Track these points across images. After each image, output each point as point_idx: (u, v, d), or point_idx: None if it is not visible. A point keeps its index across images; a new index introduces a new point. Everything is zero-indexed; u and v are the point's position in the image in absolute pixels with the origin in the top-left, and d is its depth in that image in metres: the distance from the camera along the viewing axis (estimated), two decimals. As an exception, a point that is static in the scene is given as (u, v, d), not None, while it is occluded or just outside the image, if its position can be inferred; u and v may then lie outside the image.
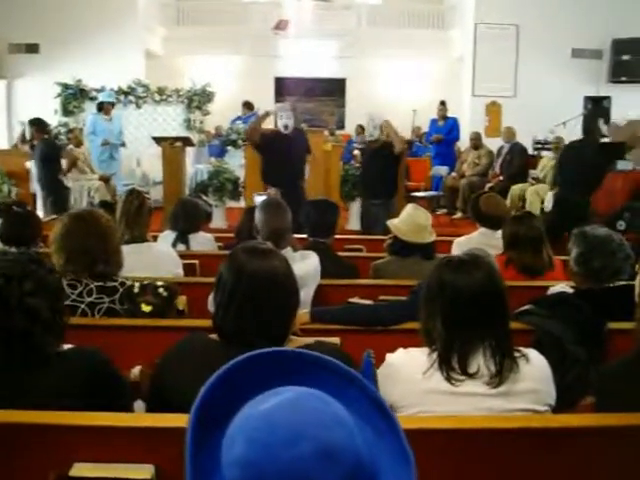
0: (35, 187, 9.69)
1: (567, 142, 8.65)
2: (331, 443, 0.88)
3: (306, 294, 3.18)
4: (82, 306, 2.87)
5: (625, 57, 12.80)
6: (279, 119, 6.84)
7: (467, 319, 1.96)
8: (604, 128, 7.61)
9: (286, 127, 6.75)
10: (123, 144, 10.31)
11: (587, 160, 7.37)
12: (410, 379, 1.99)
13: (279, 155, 6.70)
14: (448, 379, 1.94)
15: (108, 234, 2.99)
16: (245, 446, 0.89)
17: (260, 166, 7.15)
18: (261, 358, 1.06)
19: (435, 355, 1.98)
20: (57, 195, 8.83)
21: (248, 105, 12.28)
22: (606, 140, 7.70)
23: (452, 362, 1.95)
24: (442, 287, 2.02)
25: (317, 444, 0.87)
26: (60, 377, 1.89)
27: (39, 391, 1.85)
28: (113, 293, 2.94)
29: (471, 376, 1.93)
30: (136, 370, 2.57)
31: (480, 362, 1.95)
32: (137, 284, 3.07)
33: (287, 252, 3.18)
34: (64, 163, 9.15)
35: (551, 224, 5.99)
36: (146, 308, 3.01)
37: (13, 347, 1.87)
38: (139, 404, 2.24)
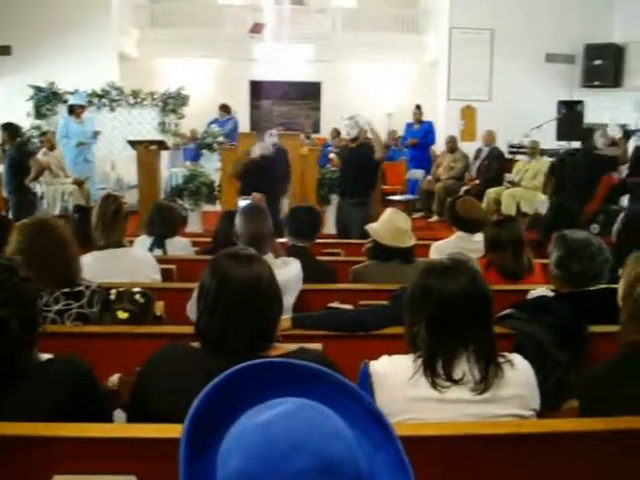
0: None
1: (562, 151, 8.89)
2: (331, 456, 0.86)
3: (287, 301, 3.16)
4: (50, 315, 2.83)
5: (597, 62, 12.94)
6: (268, 137, 7.26)
7: (452, 324, 1.95)
8: (600, 141, 7.76)
9: (274, 145, 7.24)
10: (95, 135, 10.19)
11: (582, 170, 7.53)
12: (395, 386, 1.97)
13: (261, 176, 7.05)
14: (433, 385, 1.93)
15: (65, 241, 2.95)
16: (242, 459, 0.87)
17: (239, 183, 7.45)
18: (256, 369, 1.04)
19: (420, 361, 1.97)
20: (22, 201, 8.65)
21: (225, 108, 12.23)
22: (600, 152, 7.88)
23: (437, 368, 1.94)
24: (427, 292, 2.00)
25: (317, 457, 0.85)
26: (39, 390, 1.83)
27: (14, 406, 1.79)
28: (80, 297, 2.92)
29: (456, 382, 1.92)
30: (114, 378, 2.53)
31: (465, 368, 1.94)
32: (113, 291, 3.04)
33: (268, 258, 3.15)
34: (32, 170, 9.02)
35: (548, 227, 6.18)
36: (122, 315, 2.98)
37: None
38: (118, 413, 2.20)
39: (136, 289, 3.05)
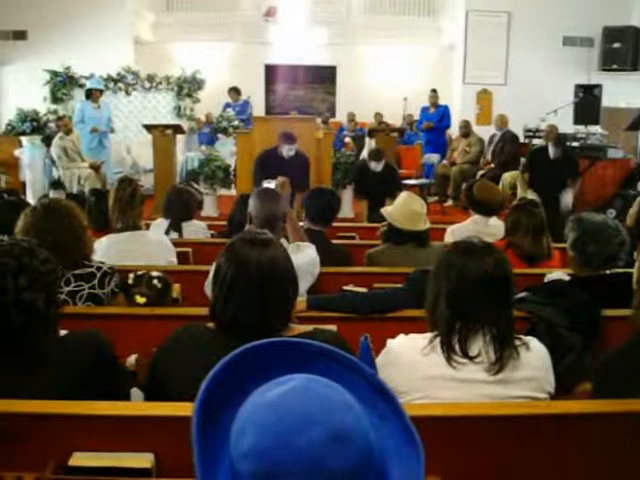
0: (25, 174, 9.65)
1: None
2: (342, 427, 0.89)
3: (300, 287, 3.18)
4: (62, 296, 2.83)
5: (616, 45, 12.78)
6: (286, 152, 7.10)
7: (471, 303, 1.97)
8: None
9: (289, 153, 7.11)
10: (112, 130, 10.21)
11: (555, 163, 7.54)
12: (411, 364, 1.99)
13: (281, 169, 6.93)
14: (449, 360, 1.94)
15: (75, 223, 2.94)
16: (256, 436, 0.89)
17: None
18: (263, 347, 1.06)
19: (437, 340, 1.99)
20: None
21: (236, 90, 12.21)
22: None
23: (453, 343, 1.96)
24: (449, 269, 2.03)
25: (328, 428, 0.88)
26: (60, 366, 1.88)
27: (39, 385, 1.83)
28: (91, 279, 2.94)
29: (472, 359, 1.94)
30: (132, 359, 2.56)
31: (481, 346, 1.96)
32: (131, 275, 3.06)
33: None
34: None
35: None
36: (140, 300, 3.00)
37: (10, 342, 1.84)
38: (135, 392, 2.23)
39: (155, 273, 3.06)
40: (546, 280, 3.20)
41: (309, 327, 2.04)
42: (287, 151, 7.07)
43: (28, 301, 1.83)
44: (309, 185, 7.39)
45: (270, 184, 3.88)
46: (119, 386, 2.06)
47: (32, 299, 1.84)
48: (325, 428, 0.87)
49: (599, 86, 11.24)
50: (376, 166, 7.98)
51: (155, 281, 3.04)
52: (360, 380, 1.04)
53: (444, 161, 11.00)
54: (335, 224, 4.76)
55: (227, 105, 12.25)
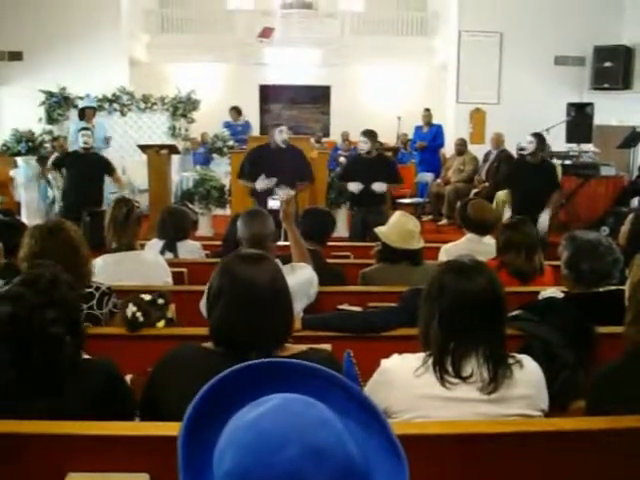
0: (20, 194, 9.65)
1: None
2: (317, 443, 0.91)
3: (295, 307, 3.17)
4: None
5: (607, 64, 12.90)
6: (277, 134, 6.81)
7: (464, 323, 1.98)
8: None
9: (284, 141, 6.80)
10: (107, 141, 10.19)
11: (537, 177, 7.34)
12: (405, 384, 1.99)
13: (273, 165, 6.73)
14: (442, 381, 1.95)
15: (76, 244, 2.98)
16: (235, 457, 0.91)
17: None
18: (249, 369, 1.08)
19: (431, 360, 1.99)
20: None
21: (237, 110, 12.28)
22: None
23: (446, 364, 1.97)
24: (442, 289, 2.03)
25: (303, 445, 0.90)
26: (83, 385, 1.93)
27: (70, 400, 1.87)
28: (90, 299, 2.96)
29: (464, 379, 1.94)
30: (127, 379, 2.56)
31: (474, 367, 1.96)
32: (146, 299, 3.04)
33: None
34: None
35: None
36: (160, 324, 3.00)
37: (33, 367, 1.87)
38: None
39: (147, 297, 3.05)
40: (540, 298, 3.21)
41: (303, 347, 2.04)
42: (279, 135, 6.74)
43: (54, 336, 1.86)
44: (312, 173, 7.18)
45: (275, 201, 3.85)
46: (126, 407, 2.08)
47: (61, 334, 1.87)
48: (301, 445, 0.89)
49: (591, 104, 11.33)
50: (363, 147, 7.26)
51: (160, 300, 3.03)
52: (345, 396, 1.06)
53: (438, 180, 11.04)
54: (330, 243, 4.77)
55: (227, 124, 12.30)
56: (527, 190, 7.14)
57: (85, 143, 7.71)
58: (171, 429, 1.74)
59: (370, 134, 7.11)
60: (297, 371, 1.08)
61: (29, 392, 1.86)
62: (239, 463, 0.90)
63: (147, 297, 3.02)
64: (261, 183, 6.67)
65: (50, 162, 8.64)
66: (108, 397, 1.96)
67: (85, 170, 7.67)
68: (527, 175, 7.32)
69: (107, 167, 7.92)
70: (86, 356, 2.09)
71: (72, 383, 1.92)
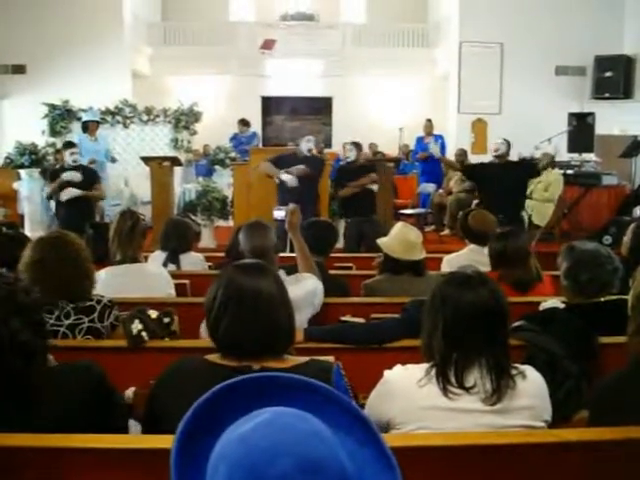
0: (23, 207, 9.68)
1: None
2: (309, 456, 0.90)
3: (299, 319, 3.18)
4: (62, 329, 2.83)
5: (608, 74, 12.95)
6: (305, 142, 7.26)
7: (467, 334, 1.98)
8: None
9: (309, 150, 7.24)
10: (113, 160, 10.24)
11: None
12: (408, 395, 1.99)
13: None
14: (444, 392, 1.95)
15: (80, 258, 2.95)
16: (228, 472, 0.91)
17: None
18: (243, 383, 1.09)
19: (433, 371, 1.99)
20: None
21: (244, 122, 12.30)
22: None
23: (449, 375, 1.97)
24: (445, 300, 2.04)
25: (296, 458, 0.89)
26: (54, 399, 1.86)
27: (36, 414, 1.81)
28: (91, 312, 2.93)
29: (467, 390, 1.94)
30: (130, 392, 2.55)
31: (477, 377, 1.96)
32: (152, 315, 3.02)
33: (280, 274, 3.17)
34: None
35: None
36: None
37: (8, 385, 1.81)
38: (134, 424, 2.23)
39: (154, 314, 3.03)
40: (541, 308, 3.21)
41: (305, 358, 2.04)
42: (305, 143, 7.18)
43: (24, 343, 1.79)
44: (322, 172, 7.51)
45: (281, 211, 3.86)
46: (115, 418, 2.06)
47: (16, 329, 1.79)
48: (294, 458, 0.89)
49: (592, 114, 11.35)
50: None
51: (167, 319, 3.03)
52: (337, 408, 1.06)
53: (440, 190, 11.05)
54: (332, 255, 4.78)
55: (234, 136, 12.32)
56: (496, 190, 7.06)
57: (74, 162, 7.76)
58: (167, 442, 1.74)
59: (356, 144, 7.94)
60: (291, 385, 1.09)
61: (4, 403, 1.82)
62: (231, 478, 0.90)
63: (154, 314, 3.00)
64: (285, 175, 6.93)
65: (48, 179, 8.66)
66: (88, 407, 1.91)
67: (80, 184, 7.73)
68: (496, 176, 7.25)
69: (94, 178, 8.05)
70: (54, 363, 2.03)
71: (48, 390, 1.87)
